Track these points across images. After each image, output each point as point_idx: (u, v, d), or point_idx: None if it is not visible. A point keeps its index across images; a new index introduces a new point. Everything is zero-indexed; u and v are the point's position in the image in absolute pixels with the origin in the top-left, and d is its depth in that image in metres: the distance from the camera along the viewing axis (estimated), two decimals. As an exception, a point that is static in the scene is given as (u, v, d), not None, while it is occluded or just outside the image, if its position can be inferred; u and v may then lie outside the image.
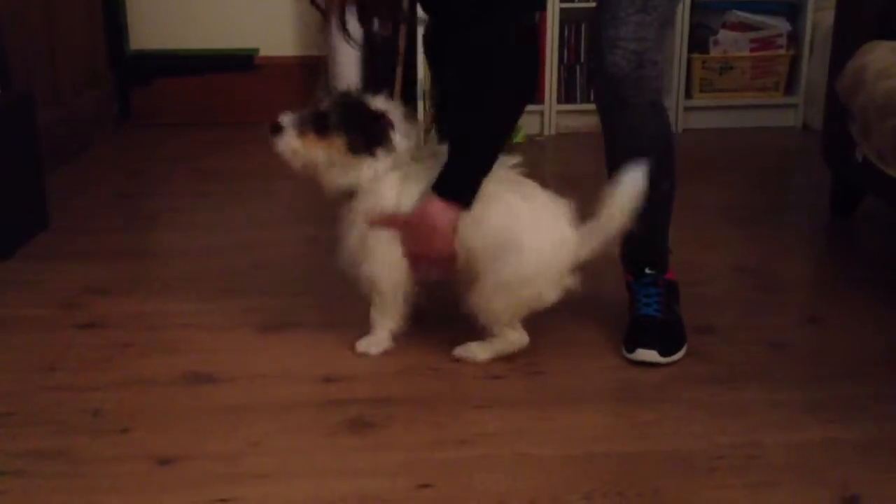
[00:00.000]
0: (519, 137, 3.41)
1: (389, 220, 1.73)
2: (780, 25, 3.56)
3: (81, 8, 3.27)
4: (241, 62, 3.68)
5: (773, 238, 2.46)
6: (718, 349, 1.83)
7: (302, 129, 1.71)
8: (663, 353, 1.75)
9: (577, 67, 3.56)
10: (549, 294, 1.72)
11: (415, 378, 1.73)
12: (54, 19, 3.01)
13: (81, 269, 2.24)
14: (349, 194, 1.74)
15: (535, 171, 1.79)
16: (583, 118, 3.50)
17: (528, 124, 3.54)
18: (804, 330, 1.94)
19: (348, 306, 1.94)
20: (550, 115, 3.57)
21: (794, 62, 3.58)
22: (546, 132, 3.58)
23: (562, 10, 3.47)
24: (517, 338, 1.77)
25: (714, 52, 3.55)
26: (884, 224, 2.58)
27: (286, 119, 1.72)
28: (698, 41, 3.56)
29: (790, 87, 3.62)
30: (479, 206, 1.69)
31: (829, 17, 2.86)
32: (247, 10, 3.68)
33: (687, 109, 3.59)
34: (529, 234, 1.68)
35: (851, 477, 1.42)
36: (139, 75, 3.66)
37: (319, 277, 2.16)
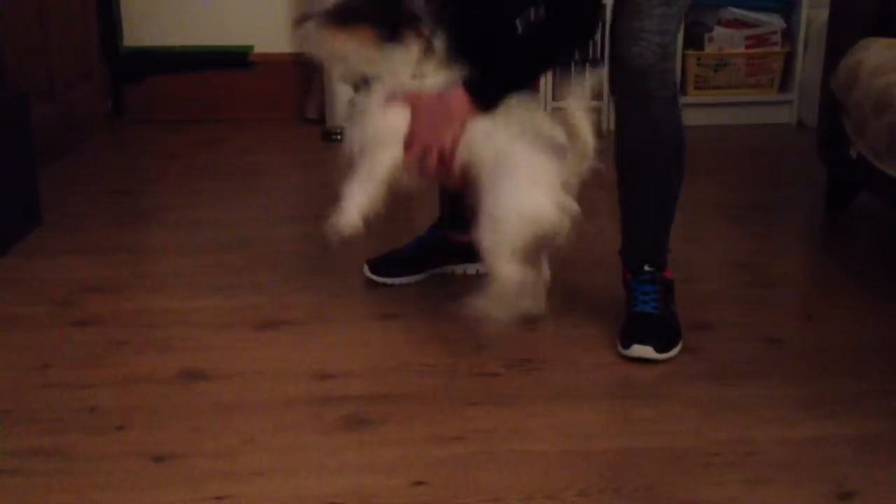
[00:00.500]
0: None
1: (407, 96, 1.71)
2: (775, 22, 3.56)
3: (75, 5, 3.25)
4: (235, 59, 3.66)
5: (767, 234, 2.47)
6: (714, 346, 1.83)
7: (328, 21, 1.69)
8: (659, 350, 1.75)
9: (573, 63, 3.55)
10: (550, 212, 1.64)
11: (410, 375, 1.73)
12: (48, 16, 3.00)
13: (75, 267, 2.23)
14: (366, 81, 1.72)
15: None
16: (578, 115, 3.49)
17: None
18: (799, 326, 1.94)
19: (344, 304, 1.93)
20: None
21: (789, 59, 3.58)
22: (541, 129, 3.57)
23: (557, 6, 3.46)
24: (513, 272, 1.64)
25: (709, 49, 3.55)
26: (878, 220, 2.58)
27: (312, 14, 1.70)
28: (693, 38, 3.56)
29: (785, 83, 3.62)
30: (491, 121, 1.69)
31: (823, 14, 2.86)
32: (241, 7, 3.67)
33: (681, 106, 3.58)
34: (528, 155, 1.67)
35: (847, 473, 1.42)
36: (133, 72, 3.65)
37: (315, 275, 2.16)
